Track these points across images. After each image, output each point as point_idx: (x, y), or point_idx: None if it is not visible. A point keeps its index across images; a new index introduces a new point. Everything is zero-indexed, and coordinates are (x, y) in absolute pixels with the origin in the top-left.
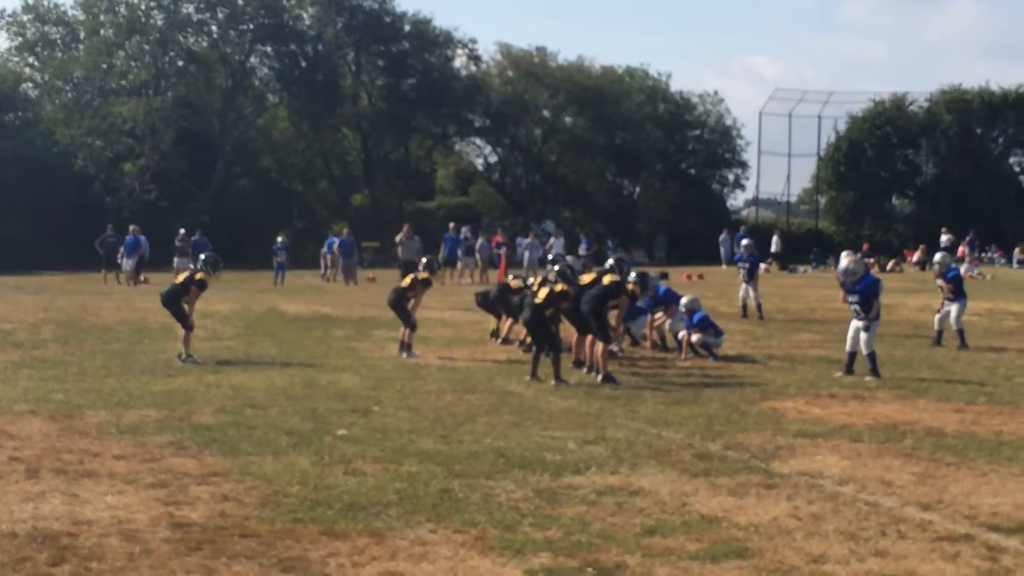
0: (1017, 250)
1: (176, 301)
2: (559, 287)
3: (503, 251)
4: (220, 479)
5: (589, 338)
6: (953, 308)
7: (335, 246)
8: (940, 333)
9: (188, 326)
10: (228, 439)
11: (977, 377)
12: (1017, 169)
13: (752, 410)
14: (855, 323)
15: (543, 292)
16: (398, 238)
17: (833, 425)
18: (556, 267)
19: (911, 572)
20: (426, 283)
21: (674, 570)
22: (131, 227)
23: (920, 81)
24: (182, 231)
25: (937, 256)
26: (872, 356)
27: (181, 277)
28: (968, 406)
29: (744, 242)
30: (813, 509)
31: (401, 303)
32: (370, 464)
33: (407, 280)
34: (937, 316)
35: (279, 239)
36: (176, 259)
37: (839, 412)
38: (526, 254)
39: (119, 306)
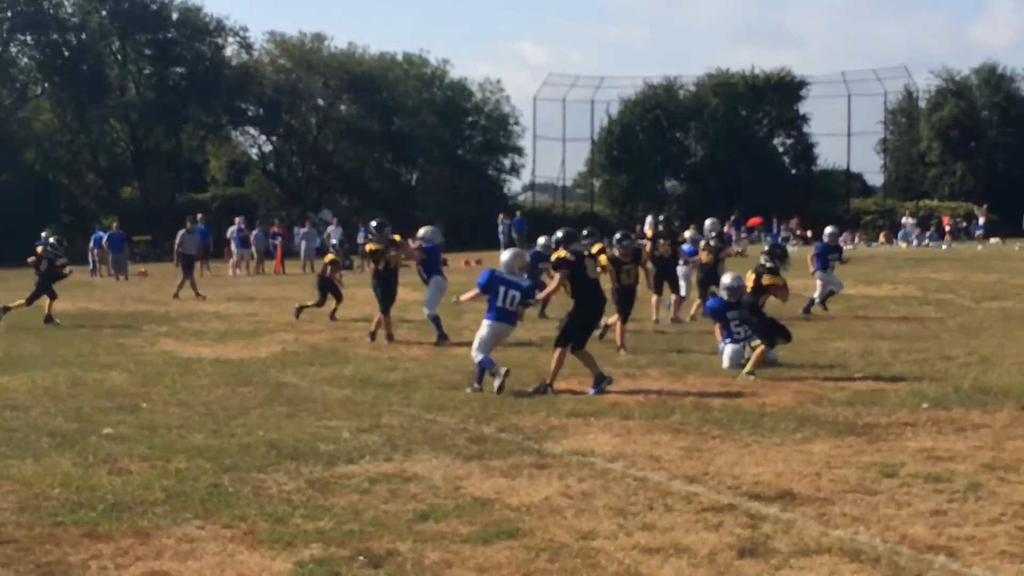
0: (782, 227)
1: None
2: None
3: (279, 241)
4: None
5: None
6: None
7: (103, 240)
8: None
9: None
10: None
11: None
12: (781, 150)
13: (526, 392)
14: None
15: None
16: (181, 232)
17: (605, 404)
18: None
19: (676, 543)
20: None
21: (446, 554)
22: None
23: (684, 65)
24: None
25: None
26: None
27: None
28: (734, 380)
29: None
30: (584, 487)
31: None
32: (137, 462)
33: None
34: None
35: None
36: None
37: (611, 391)
38: (303, 244)
39: None
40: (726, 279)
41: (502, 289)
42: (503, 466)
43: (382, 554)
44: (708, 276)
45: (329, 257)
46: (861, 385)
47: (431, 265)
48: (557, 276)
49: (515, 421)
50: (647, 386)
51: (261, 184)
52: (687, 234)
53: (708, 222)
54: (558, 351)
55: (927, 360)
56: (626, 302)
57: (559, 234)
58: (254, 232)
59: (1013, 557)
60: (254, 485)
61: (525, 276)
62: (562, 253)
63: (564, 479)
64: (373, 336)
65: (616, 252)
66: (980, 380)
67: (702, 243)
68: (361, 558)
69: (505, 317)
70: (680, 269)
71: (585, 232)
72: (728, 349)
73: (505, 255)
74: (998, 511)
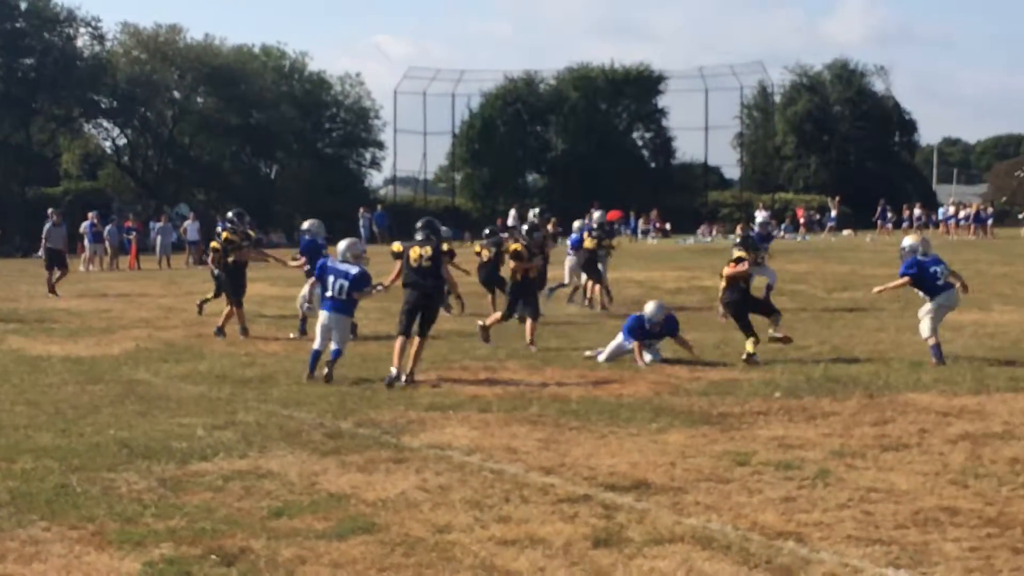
0: (641, 220)
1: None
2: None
3: (134, 236)
4: None
5: None
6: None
7: None
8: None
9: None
10: None
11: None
12: (640, 143)
13: (385, 386)
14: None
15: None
16: (47, 225)
17: (463, 397)
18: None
19: (531, 535)
20: None
21: (300, 550)
22: None
23: (545, 60)
24: None
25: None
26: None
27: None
28: (592, 372)
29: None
30: (441, 480)
31: None
32: None
33: None
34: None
35: None
36: None
37: (470, 384)
38: (158, 239)
39: None
40: (649, 308)
41: (331, 279)
42: (360, 461)
43: (235, 552)
44: (588, 262)
45: (214, 244)
46: (716, 375)
47: (314, 260)
48: (396, 265)
49: (373, 415)
50: (506, 378)
51: (116, 178)
52: (575, 224)
53: (596, 213)
54: (399, 340)
55: (780, 350)
56: (521, 297)
57: (418, 224)
58: (108, 227)
59: (859, 541)
60: (103, 485)
61: (361, 263)
62: (395, 247)
63: (421, 473)
64: (221, 331)
65: (523, 244)
66: (831, 369)
67: (586, 233)
68: (213, 557)
69: (336, 307)
70: (568, 260)
71: (487, 232)
72: (613, 346)
73: (341, 244)
74: (845, 497)
